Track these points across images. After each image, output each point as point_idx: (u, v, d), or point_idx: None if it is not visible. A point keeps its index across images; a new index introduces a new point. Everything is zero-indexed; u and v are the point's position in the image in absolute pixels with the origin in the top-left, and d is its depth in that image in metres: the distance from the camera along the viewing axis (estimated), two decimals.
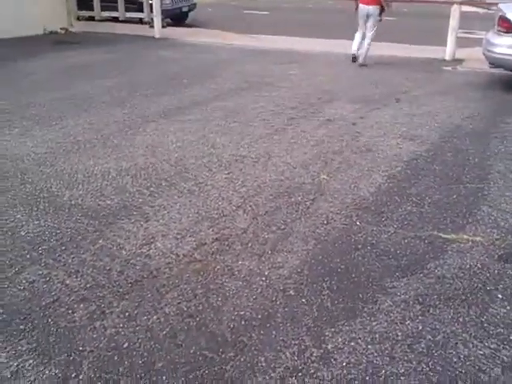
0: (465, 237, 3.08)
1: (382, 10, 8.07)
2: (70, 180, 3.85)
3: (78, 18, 13.27)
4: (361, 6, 8.07)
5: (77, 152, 4.43)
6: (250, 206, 3.42)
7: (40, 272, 2.70)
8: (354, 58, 8.37)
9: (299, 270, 2.72)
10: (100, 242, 3.00)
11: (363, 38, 8.25)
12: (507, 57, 6.45)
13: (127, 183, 3.79)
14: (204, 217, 3.28)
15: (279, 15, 19.06)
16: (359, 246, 2.96)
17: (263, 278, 2.65)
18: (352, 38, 8.51)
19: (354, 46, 8.40)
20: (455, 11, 8.66)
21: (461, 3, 9.53)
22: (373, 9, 7.98)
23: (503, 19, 6.43)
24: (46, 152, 4.42)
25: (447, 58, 8.62)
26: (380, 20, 8.15)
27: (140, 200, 3.52)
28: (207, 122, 5.28)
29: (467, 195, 3.62)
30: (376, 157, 4.30)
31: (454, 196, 3.60)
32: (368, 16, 8.06)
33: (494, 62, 6.81)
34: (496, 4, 7.56)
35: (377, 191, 3.67)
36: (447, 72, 7.86)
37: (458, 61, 8.52)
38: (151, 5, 11.80)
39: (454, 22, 8.64)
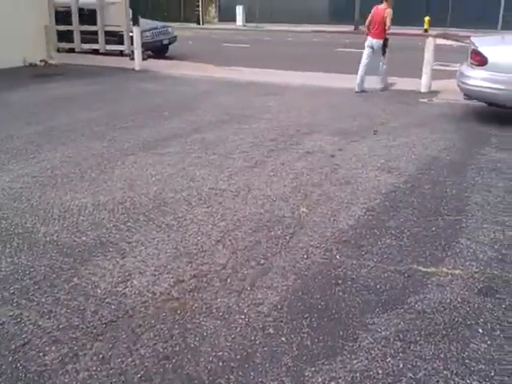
0: (444, 270, 3.08)
1: (386, 43, 8.97)
2: (45, 215, 3.78)
3: (58, 50, 13.32)
4: (368, 38, 9.11)
5: (54, 186, 4.37)
6: (230, 241, 3.39)
7: (11, 313, 2.61)
8: (360, 90, 8.98)
9: (279, 307, 2.68)
10: (75, 280, 2.93)
11: (364, 71, 8.96)
12: (480, 89, 6.61)
13: (104, 218, 3.73)
14: (182, 252, 3.23)
15: (259, 48, 19.40)
16: (339, 281, 2.93)
17: (242, 316, 2.60)
18: (328, 71, 8.69)
19: (357, 79, 9.03)
20: (430, 44, 8.89)
21: (435, 36, 9.83)
22: (376, 42, 8.86)
23: (476, 53, 6.62)
24: (22, 187, 4.34)
25: (423, 89, 8.81)
26: (384, 53, 9.00)
27: (117, 236, 3.46)
28: (187, 155, 5.27)
29: (446, 227, 3.64)
30: (355, 189, 4.32)
31: (433, 228, 3.62)
32: (372, 48, 8.94)
33: (468, 94, 6.98)
34: (468, 37, 7.80)
35: (356, 224, 3.67)
36: (423, 104, 8.03)
37: (433, 92, 8.71)
38: (132, 37, 11.91)
39: (428, 54, 8.86)
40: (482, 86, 6.55)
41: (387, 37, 8.98)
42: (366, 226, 3.64)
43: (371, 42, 8.99)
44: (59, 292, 2.80)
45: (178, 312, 2.62)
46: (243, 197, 4.16)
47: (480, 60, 6.52)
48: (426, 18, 28.63)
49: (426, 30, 27.72)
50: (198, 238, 3.44)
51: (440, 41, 9.28)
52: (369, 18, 9.09)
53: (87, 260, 3.14)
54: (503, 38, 7.96)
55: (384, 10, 8.73)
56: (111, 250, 3.27)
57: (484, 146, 5.71)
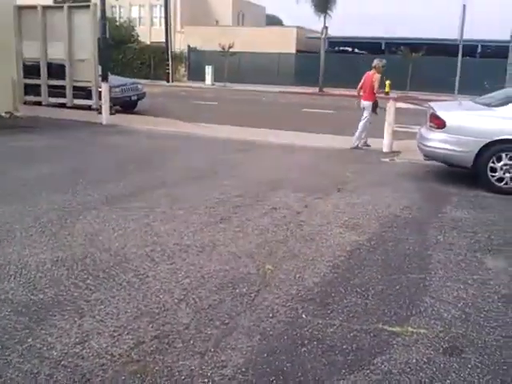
0: (409, 329, 3.07)
1: (375, 105, 9.59)
2: (1, 272, 3.61)
3: (25, 103, 13.27)
4: (361, 100, 9.76)
5: (11, 241, 4.21)
6: (193, 299, 3.30)
7: None
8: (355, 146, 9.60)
9: (244, 370, 2.59)
10: (29, 341, 2.77)
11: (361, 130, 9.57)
12: (439, 150, 6.88)
13: (62, 275, 3.59)
14: (144, 312, 3.12)
15: (227, 106, 19.81)
16: (305, 342, 2.87)
17: (205, 380, 2.49)
18: (295, 130, 8.91)
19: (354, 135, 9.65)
20: (391, 107, 9.30)
21: (395, 100, 10.29)
22: (367, 103, 9.57)
23: (434, 116, 6.93)
24: None
25: (385, 149, 9.11)
26: (376, 113, 9.57)
27: (75, 294, 3.32)
28: (151, 210, 5.21)
29: (409, 286, 3.66)
30: (320, 246, 4.33)
31: (397, 287, 3.63)
32: (363, 108, 9.61)
33: (428, 155, 7.25)
34: (427, 100, 8.20)
35: (321, 281, 3.65)
36: (385, 163, 8.28)
37: (395, 152, 9.02)
38: (100, 92, 12.01)
39: (389, 116, 9.25)
40: (441, 148, 6.83)
41: (376, 99, 9.66)
42: (331, 284, 3.62)
43: (363, 103, 9.67)
44: (11, 354, 2.64)
45: (138, 375, 2.50)
46: (208, 253, 4.10)
47: (439, 123, 6.83)
48: (387, 82, 30.03)
49: (387, 93, 29.03)
50: (161, 296, 3.34)
51: (400, 104, 9.70)
52: (360, 82, 9.83)
53: (43, 319, 2.99)
54: (460, 104, 8.39)
55: (373, 76, 9.56)
56: (69, 308, 3.12)
57: (445, 204, 5.88)
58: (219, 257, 4.03)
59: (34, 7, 13.40)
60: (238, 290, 3.45)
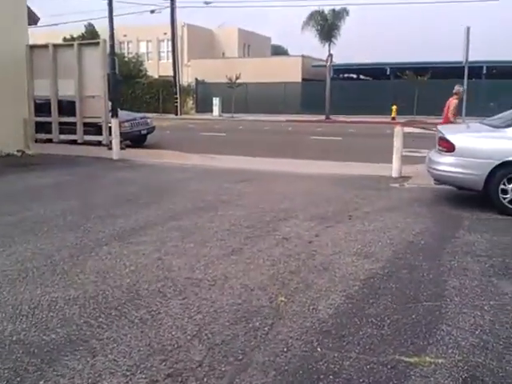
0: (427, 359, 3.00)
1: None
2: (13, 312, 3.61)
3: (36, 141, 13.49)
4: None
5: (23, 280, 4.22)
6: (206, 335, 3.26)
7: None
8: None
9: None
10: (41, 383, 2.74)
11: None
12: (449, 174, 6.85)
13: (74, 314, 3.58)
14: (156, 349, 3.08)
15: (235, 137, 20.01)
16: (321, 376, 2.81)
17: None
18: (303, 158, 8.92)
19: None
20: (398, 132, 9.32)
21: (403, 124, 10.32)
22: None
23: (443, 140, 6.93)
24: None
25: (394, 175, 9.09)
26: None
27: (87, 333, 3.30)
28: (162, 244, 5.21)
29: (425, 314, 3.60)
30: (333, 276, 4.29)
31: (413, 315, 3.57)
32: None
33: (438, 179, 7.22)
34: (435, 124, 8.22)
35: (336, 313, 3.60)
36: (395, 189, 8.24)
37: (404, 178, 8.99)
38: (110, 128, 12.20)
39: (397, 141, 9.26)
40: (450, 171, 6.80)
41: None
42: (346, 315, 3.56)
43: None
44: None
45: None
46: (220, 286, 4.07)
47: (448, 146, 6.82)
48: (394, 107, 30.22)
49: (393, 118, 29.19)
50: (173, 332, 3.31)
51: (408, 128, 9.72)
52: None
53: (55, 360, 2.97)
54: (468, 126, 8.39)
55: (451, 102, 10.15)
56: (81, 348, 3.10)
57: (457, 229, 5.81)
58: (231, 290, 3.99)
59: (45, 46, 13.75)
60: (251, 324, 3.40)
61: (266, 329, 3.35)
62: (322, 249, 5.01)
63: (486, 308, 3.68)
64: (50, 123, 13.41)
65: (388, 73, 36.00)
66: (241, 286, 4.08)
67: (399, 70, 32.19)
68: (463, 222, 6.08)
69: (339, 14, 31.69)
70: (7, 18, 12.23)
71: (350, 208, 6.77)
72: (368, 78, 43.22)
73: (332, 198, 7.41)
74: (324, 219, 6.17)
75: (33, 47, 13.77)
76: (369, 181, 8.86)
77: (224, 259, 4.74)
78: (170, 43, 38.88)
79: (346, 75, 42.60)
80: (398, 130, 9.34)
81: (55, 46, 13.69)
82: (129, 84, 36.80)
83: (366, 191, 7.95)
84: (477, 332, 3.32)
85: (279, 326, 3.40)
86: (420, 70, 31.20)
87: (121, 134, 12.31)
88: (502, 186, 6.42)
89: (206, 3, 36.75)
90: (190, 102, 39.16)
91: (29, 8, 13.81)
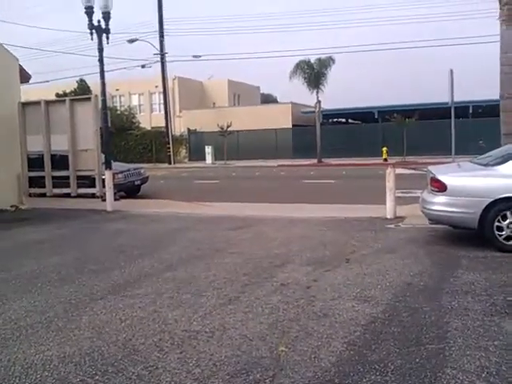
0: None
1: None
2: (6, 374, 3.49)
3: (30, 195, 13.48)
4: None
5: (17, 339, 4.10)
6: None
7: None
8: None
9: None
10: None
11: None
12: (443, 213, 6.88)
13: (70, 372, 3.47)
14: None
15: (229, 183, 20.12)
16: None
17: None
18: (297, 202, 8.93)
19: None
20: (390, 173, 9.41)
21: (394, 165, 10.43)
22: None
23: (434, 180, 6.99)
24: None
25: (389, 216, 9.10)
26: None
27: None
28: (158, 296, 5.12)
29: (429, 357, 3.51)
30: (333, 322, 4.21)
31: (417, 359, 3.48)
32: None
33: (433, 219, 7.23)
34: (426, 164, 8.29)
35: (338, 361, 3.51)
36: (391, 230, 8.23)
37: (399, 218, 9.00)
38: (104, 179, 12.24)
39: (390, 183, 9.33)
40: (444, 211, 6.83)
41: None
42: (348, 363, 3.47)
43: None
44: None
45: None
46: (218, 338, 3.98)
47: (440, 187, 6.87)
48: (384, 149, 30.66)
49: (385, 160, 29.57)
50: None
51: (399, 170, 9.81)
52: None
53: None
54: (459, 166, 8.49)
55: None
56: None
57: (455, 268, 5.77)
58: (230, 341, 3.90)
59: (37, 103, 13.99)
60: (251, 377, 3.30)
61: (267, 381, 3.25)
62: (321, 294, 4.94)
63: (490, 349, 3.61)
64: (44, 177, 13.45)
65: (376, 116, 36.70)
66: (240, 336, 3.99)
67: (387, 113, 32.82)
68: (461, 261, 6.05)
69: (325, 62, 32.50)
70: (1, 78, 12.47)
71: (346, 251, 6.73)
72: (357, 121, 44.03)
73: (328, 242, 7.38)
74: (321, 263, 6.11)
75: (25, 104, 14.00)
76: (364, 223, 8.86)
77: (221, 309, 4.65)
78: (161, 95, 39.65)
79: (335, 120, 43.40)
80: (389, 171, 9.43)
81: (47, 102, 13.93)
82: (121, 136, 37.25)
83: (362, 233, 7.93)
84: (483, 375, 3.24)
85: (281, 377, 3.30)
86: (408, 111, 31.85)
87: (115, 185, 12.34)
88: (496, 224, 6.43)
89: (195, 57, 37.69)
90: (183, 151, 39.57)
91: (21, 66, 14.12)
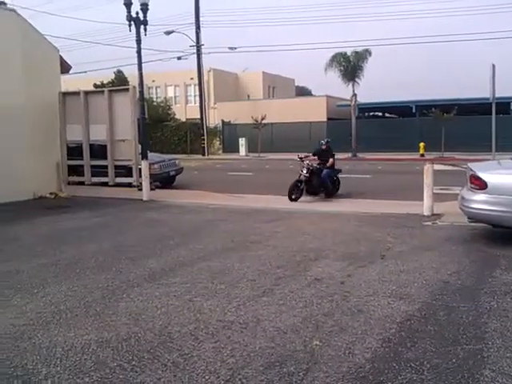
0: None
1: None
2: (47, 355, 3.61)
3: (69, 183, 13.82)
4: None
5: (57, 323, 4.24)
6: (240, 380, 3.19)
7: None
8: None
9: None
10: None
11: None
12: (483, 212, 6.70)
13: (108, 356, 3.56)
14: None
15: (262, 176, 20.12)
16: None
17: None
18: None
19: None
20: (428, 169, 9.22)
21: (432, 161, 10.21)
22: None
23: (474, 177, 6.81)
24: (25, 324, 4.21)
25: (425, 213, 8.93)
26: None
27: (121, 376, 3.27)
28: (193, 285, 5.19)
29: (466, 358, 3.45)
30: (368, 318, 4.18)
31: (453, 359, 3.43)
32: None
33: (472, 217, 7.06)
34: (465, 161, 8.07)
35: (373, 357, 3.48)
36: (428, 227, 8.09)
37: (436, 215, 8.82)
38: (140, 170, 12.44)
39: (427, 179, 9.15)
40: (484, 209, 6.66)
41: None
42: (383, 359, 3.45)
43: None
44: None
45: None
46: (252, 329, 4.00)
47: (480, 184, 6.70)
48: (421, 144, 30.04)
49: (422, 155, 29.00)
50: (206, 377, 3.25)
51: (437, 166, 9.59)
52: None
53: None
54: (499, 163, 8.25)
55: None
56: None
57: (494, 268, 5.63)
58: (264, 333, 3.92)
59: (77, 93, 14.26)
60: (285, 369, 3.32)
61: (301, 374, 3.26)
62: (356, 290, 4.91)
63: None
64: (82, 166, 13.75)
65: (414, 110, 35.98)
66: (273, 328, 4.01)
67: (425, 108, 32.13)
68: (500, 261, 5.89)
69: (362, 55, 32.03)
70: (42, 67, 12.78)
71: (382, 247, 6.65)
72: (394, 115, 43.28)
73: (363, 238, 7.31)
74: (356, 259, 6.07)
75: (65, 94, 14.29)
76: (400, 219, 8.72)
77: (255, 301, 4.68)
78: (196, 87, 39.94)
79: (371, 113, 42.78)
80: (427, 166, 9.24)
81: (86, 92, 14.18)
82: (157, 127, 37.71)
83: (398, 230, 7.82)
84: None
85: (315, 371, 3.31)
86: (446, 106, 31.09)
87: (150, 175, 12.53)
88: None
89: (231, 49, 37.72)
90: (217, 143, 39.77)
91: (61, 57, 14.43)
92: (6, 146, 11.54)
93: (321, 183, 11.94)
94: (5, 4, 13.35)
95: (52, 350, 3.69)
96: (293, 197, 11.51)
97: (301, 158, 12.16)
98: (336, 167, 12.67)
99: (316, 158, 12.58)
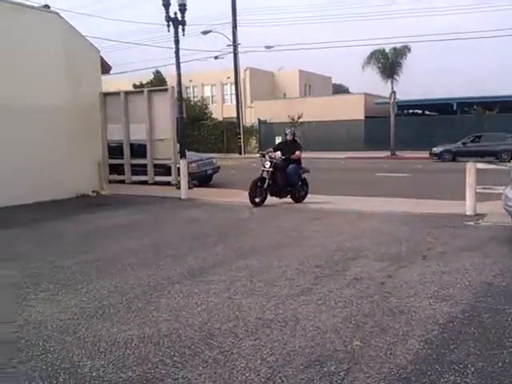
0: None
1: None
2: (92, 349, 3.72)
3: (110, 182, 14.15)
4: None
5: (100, 317, 4.35)
6: (280, 378, 3.19)
7: None
8: None
9: None
10: None
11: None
12: None
13: (150, 352, 3.63)
14: None
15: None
16: None
17: None
18: (370, 195, 8.71)
19: None
20: (471, 168, 8.98)
21: (476, 160, 9.94)
22: None
23: None
24: (70, 318, 4.34)
25: (468, 212, 8.70)
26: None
27: (163, 371, 3.33)
28: (232, 283, 5.22)
29: None
30: (409, 319, 4.11)
31: (499, 363, 3.33)
32: None
33: None
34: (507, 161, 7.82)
35: (415, 359, 3.43)
36: (470, 227, 7.88)
37: (479, 215, 8.58)
38: (178, 168, 12.62)
39: (470, 178, 8.91)
40: None
41: None
42: (426, 361, 3.38)
43: None
44: None
45: None
46: (291, 328, 4.00)
47: None
48: None
49: None
50: (246, 374, 3.27)
51: (479, 165, 9.34)
52: None
53: None
54: None
55: None
56: None
57: None
58: (303, 332, 3.92)
59: (117, 93, 14.60)
60: (326, 369, 3.30)
61: (341, 374, 3.24)
62: (396, 291, 4.83)
63: None
64: (123, 165, 14.05)
65: (455, 108, 35.14)
66: (313, 328, 4.00)
67: (466, 105, 31.32)
68: None
69: (400, 52, 31.48)
70: (83, 68, 13.12)
71: (423, 248, 6.53)
72: (434, 113, 42.35)
73: (403, 237, 7.18)
74: (396, 259, 5.97)
75: (106, 94, 14.64)
76: (441, 219, 8.53)
77: (294, 299, 4.67)
78: (233, 86, 40.12)
79: (410, 111, 41.99)
80: (470, 165, 9.01)
81: (126, 92, 14.49)
82: (194, 126, 38.09)
83: (439, 230, 7.65)
84: None
85: (355, 371, 3.28)
86: (488, 104, 30.21)
87: (188, 174, 12.69)
88: None
89: (268, 47, 37.72)
90: (254, 142, 39.84)
91: (102, 59, 14.77)
92: (50, 146, 11.91)
93: (286, 181, 10.46)
94: (48, 7, 13.77)
95: (96, 344, 3.79)
96: (256, 200, 10.20)
97: (262, 155, 10.76)
98: (304, 166, 11.11)
99: (279, 152, 10.79)
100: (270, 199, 10.78)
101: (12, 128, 11.10)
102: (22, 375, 3.33)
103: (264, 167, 10.45)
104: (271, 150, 10.98)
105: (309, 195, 11.34)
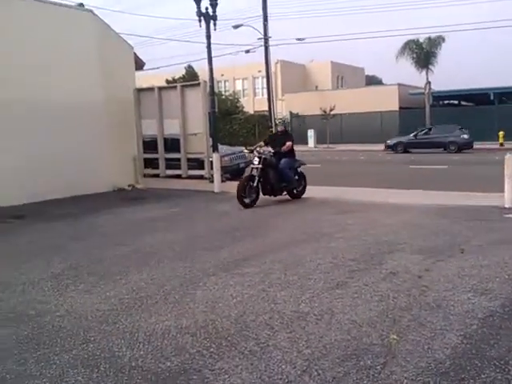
0: None
1: None
2: (131, 339, 3.80)
3: (144, 176, 14.38)
4: None
5: (139, 308, 4.44)
6: (316, 371, 3.20)
7: None
8: None
9: None
10: None
11: None
12: None
13: (187, 343, 3.69)
14: (267, 382, 3.08)
15: (330, 167, 19.92)
16: None
17: None
18: (403, 188, 8.59)
19: None
20: (509, 160, 8.74)
21: None
22: None
23: None
24: (109, 309, 4.45)
25: (507, 205, 8.48)
26: None
27: (200, 362, 3.38)
28: (266, 276, 5.25)
29: None
30: (448, 314, 4.04)
31: None
32: None
33: None
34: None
35: (453, 353, 3.37)
36: (509, 220, 7.67)
37: None
38: (211, 162, 12.71)
39: (509, 169, 8.67)
40: None
41: None
42: (464, 356, 3.33)
43: None
44: None
45: None
46: (327, 321, 4.00)
47: None
48: (501, 133, 28.52)
49: (501, 144, 27.52)
50: (283, 366, 3.28)
51: None
52: None
53: None
54: None
55: None
56: (195, 377, 3.18)
57: None
58: (339, 325, 3.90)
59: (151, 89, 14.79)
60: (362, 362, 3.29)
61: (378, 368, 3.22)
62: (434, 284, 4.76)
63: None
64: (157, 159, 14.25)
65: (492, 98, 34.17)
66: (349, 321, 3.98)
67: (504, 95, 30.42)
68: None
69: (435, 42, 30.81)
70: (118, 65, 13.33)
71: (460, 241, 6.39)
72: (470, 104, 41.30)
73: (440, 230, 7.05)
74: (433, 253, 5.87)
75: (140, 90, 14.84)
76: (478, 212, 8.34)
77: (329, 293, 4.66)
78: (264, 80, 40.04)
79: (446, 101, 41.07)
80: (509, 156, 8.76)
81: (160, 88, 14.65)
82: (226, 120, 38.27)
83: (478, 223, 7.48)
84: None
85: (392, 365, 3.25)
86: None
87: (221, 167, 12.77)
88: None
89: (299, 40, 37.44)
90: None
91: (135, 55, 14.97)
92: (87, 142, 12.18)
93: (280, 177, 9.75)
94: (83, 5, 14.03)
95: (135, 335, 3.88)
96: (246, 201, 9.42)
97: (251, 150, 10.15)
98: (298, 159, 10.49)
99: (269, 147, 10.18)
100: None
101: (51, 125, 11.39)
102: (65, 363, 3.44)
103: (252, 164, 9.78)
104: (262, 143, 10.40)
105: (344, 188, 11.24)
